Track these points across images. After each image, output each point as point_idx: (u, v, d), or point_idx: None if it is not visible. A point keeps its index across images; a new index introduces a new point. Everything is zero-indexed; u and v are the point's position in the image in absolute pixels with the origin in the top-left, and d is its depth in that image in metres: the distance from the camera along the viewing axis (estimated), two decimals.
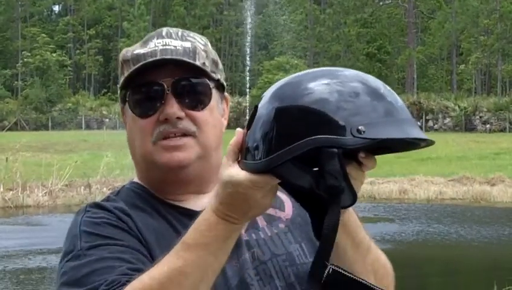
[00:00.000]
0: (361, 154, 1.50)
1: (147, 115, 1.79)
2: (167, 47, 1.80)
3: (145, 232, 1.74)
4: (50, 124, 66.11)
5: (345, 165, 1.43)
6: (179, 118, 1.77)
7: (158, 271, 1.53)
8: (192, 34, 1.88)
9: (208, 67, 1.82)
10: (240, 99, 63.59)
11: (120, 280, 1.59)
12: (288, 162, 1.43)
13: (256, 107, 1.51)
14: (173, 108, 1.76)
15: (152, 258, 1.69)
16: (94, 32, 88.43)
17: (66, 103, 68.67)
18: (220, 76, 1.88)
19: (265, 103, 1.49)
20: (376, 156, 1.54)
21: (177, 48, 1.80)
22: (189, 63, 1.78)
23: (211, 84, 1.82)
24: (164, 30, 1.87)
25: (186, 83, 1.79)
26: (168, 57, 1.78)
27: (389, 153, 1.55)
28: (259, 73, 65.05)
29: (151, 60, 1.78)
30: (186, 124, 1.78)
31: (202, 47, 1.84)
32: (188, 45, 1.82)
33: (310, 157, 1.43)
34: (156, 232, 1.75)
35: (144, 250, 1.71)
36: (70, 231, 1.77)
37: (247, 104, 52.98)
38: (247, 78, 55.60)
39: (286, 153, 1.42)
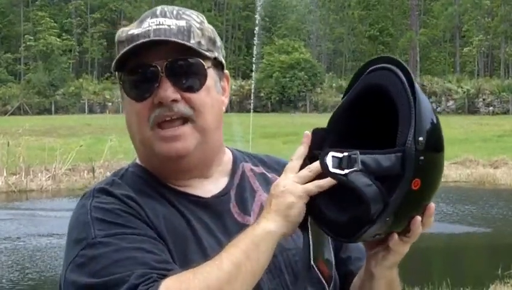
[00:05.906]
0: None
1: (142, 99, 1.73)
2: (161, 26, 1.74)
3: (155, 220, 1.69)
4: (53, 108, 65.99)
5: None
6: (174, 101, 1.72)
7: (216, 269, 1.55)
8: (188, 11, 1.82)
9: (204, 46, 1.77)
10: (243, 83, 63.47)
11: (151, 275, 1.55)
12: None
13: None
14: (167, 91, 1.71)
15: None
16: (99, 16, 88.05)
17: (69, 87, 68.39)
18: (218, 54, 1.82)
19: None
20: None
21: (171, 27, 1.74)
22: (182, 43, 1.73)
23: (207, 64, 1.77)
24: (159, 9, 1.80)
25: (180, 64, 1.73)
26: (161, 38, 1.72)
27: None
28: (261, 56, 64.85)
29: (142, 41, 1.72)
30: (182, 107, 1.73)
31: (198, 25, 1.78)
32: (182, 23, 1.76)
33: None
34: (165, 219, 1.71)
35: (159, 239, 1.66)
36: (79, 217, 1.71)
37: (252, 87, 52.74)
38: (254, 60, 55.19)
39: None
